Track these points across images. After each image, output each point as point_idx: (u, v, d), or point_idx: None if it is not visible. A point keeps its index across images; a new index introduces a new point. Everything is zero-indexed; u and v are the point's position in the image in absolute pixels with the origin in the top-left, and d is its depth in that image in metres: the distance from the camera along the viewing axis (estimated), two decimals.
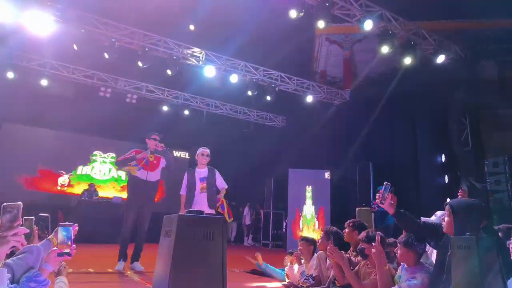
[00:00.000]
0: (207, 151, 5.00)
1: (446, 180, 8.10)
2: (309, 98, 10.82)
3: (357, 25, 7.67)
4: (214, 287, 2.08)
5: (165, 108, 11.80)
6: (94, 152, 13.00)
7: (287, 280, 4.33)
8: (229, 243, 12.42)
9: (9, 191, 10.02)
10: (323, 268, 3.70)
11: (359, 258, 3.27)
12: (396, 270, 2.96)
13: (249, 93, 10.17)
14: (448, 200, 2.46)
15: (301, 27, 8.71)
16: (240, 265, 5.73)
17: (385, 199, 2.58)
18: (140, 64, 8.69)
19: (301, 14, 7.02)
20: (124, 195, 8.45)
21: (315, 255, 3.97)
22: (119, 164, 5.35)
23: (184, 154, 14.11)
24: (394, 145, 9.38)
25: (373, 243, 2.75)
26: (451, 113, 8.28)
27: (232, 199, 13.07)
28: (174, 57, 8.99)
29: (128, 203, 5.09)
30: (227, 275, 2.22)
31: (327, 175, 10.59)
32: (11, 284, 1.65)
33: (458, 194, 3.49)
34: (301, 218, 10.31)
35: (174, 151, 14.14)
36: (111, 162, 13.15)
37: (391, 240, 3.38)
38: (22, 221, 1.68)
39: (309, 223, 10.32)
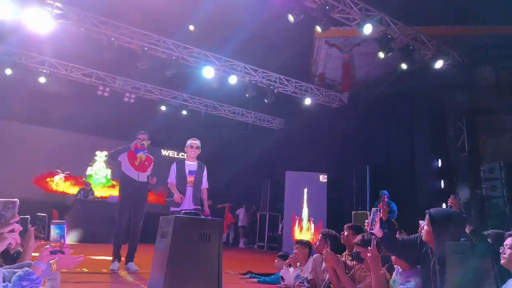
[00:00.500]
0: (197, 142, 4.67)
1: (442, 185, 8.13)
2: (308, 101, 10.83)
3: (357, 28, 7.69)
4: None
5: (163, 108, 11.78)
6: (96, 152, 12.99)
7: (282, 283, 4.32)
8: (226, 245, 12.41)
9: (4, 189, 9.96)
10: (318, 271, 3.70)
11: (354, 262, 3.27)
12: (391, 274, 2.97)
13: (247, 94, 10.17)
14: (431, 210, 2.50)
15: (301, 29, 8.73)
16: (235, 267, 5.72)
17: (374, 225, 2.70)
18: (139, 64, 8.68)
19: (302, 17, 7.02)
20: None
21: (311, 258, 3.97)
22: (112, 155, 5.20)
23: (183, 155, 14.07)
24: (391, 149, 9.41)
25: (369, 247, 2.75)
26: (448, 118, 8.32)
27: (229, 201, 13.09)
28: (173, 57, 8.99)
29: (121, 204, 5.06)
30: (223, 277, 2.22)
31: (324, 178, 10.61)
32: (3, 283, 1.64)
33: (448, 201, 3.51)
34: (297, 220, 10.32)
35: (170, 152, 14.12)
36: (104, 161, 13.12)
37: None
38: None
39: (305, 225, 10.33)
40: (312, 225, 10.23)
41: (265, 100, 10.36)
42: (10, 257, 2.41)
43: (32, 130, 11.88)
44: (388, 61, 8.84)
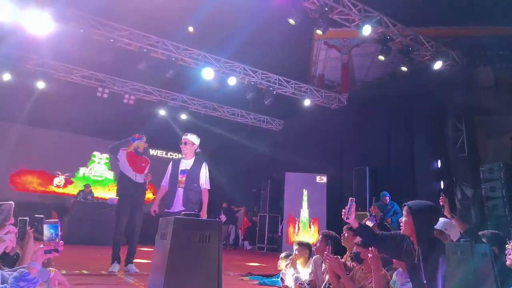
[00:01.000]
0: (186, 137, 4.28)
1: (442, 186, 8.13)
2: (307, 102, 10.84)
3: (356, 30, 7.70)
4: None
5: (162, 110, 11.79)
6: (94, 153, 12.97)
7: (282, 285, 4.32)
8: (228, 246, 12.40)
9: (4, 191, 9.96)
10: (318, 272, 3.70)
11: (354, 263, 3.27)
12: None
13: (247, 96, 10.17)
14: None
15: (300, 30, 8.75)
16: (236, 268, 5.72)
17: (350, 215, 2.70)
18: (138, 66, 8.68)
19: (300, 19, 7.03)
20: None
21: (311, 259, 3.96)
22: (112, 148, 5.17)
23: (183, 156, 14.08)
24: (390, 150, 9.41)
25: (369, 248, 2.75)
26: (447, 119, 8.33)
27: (230, 202, 13.07)
28: (173, 59, 8.99)
29: (120, 205, 5.05)
30: (223, 278, 2.22)
31: (323, 179, 10.61)
32: (1, 284, 1.64)
33: (440, 200, 3.51)
34: (297, 222, 10.31)
35: (170, 154, 14.12)
36: (105, 163, 13.11)
37: None
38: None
39: (305, 227, 10.33)
40: (313, 227, 10.23)
41: (265, 102, 10.37)
42: (9, 260, 2.40)
43: (31, 132, 11.86)
44: (387, 62, 8.85)
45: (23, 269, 1.72)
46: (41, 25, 7.30)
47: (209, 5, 8.36)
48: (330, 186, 10.45)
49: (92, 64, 10.16)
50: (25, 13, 7.08)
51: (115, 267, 4.75)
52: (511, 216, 6.42)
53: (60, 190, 12.35)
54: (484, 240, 3.03)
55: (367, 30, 7.49)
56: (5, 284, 1.67)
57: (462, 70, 8.45)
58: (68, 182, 12.57)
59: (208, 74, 9.42)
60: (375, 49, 8.08)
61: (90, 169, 12.90)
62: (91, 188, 10.93)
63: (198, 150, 4.41)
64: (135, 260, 5.00)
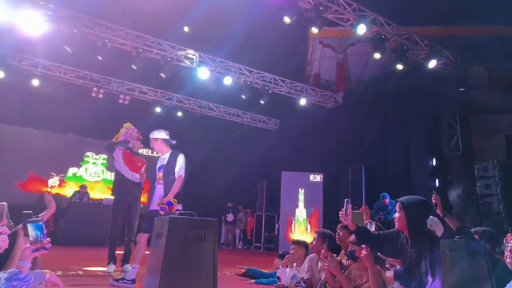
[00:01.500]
0: (150, 137, 4.25)
1: (437, 184, 8.18)
2: (302, 101, 10.86)
3: (351, 29, 7.73)
4: None
5: (158, 109, 11.75)
6: (87, 153, 12.88)
7: (278, 283, 4.32)
8: (228, 246, 12.41)
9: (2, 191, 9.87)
10: (315, 271, 3.70)
11: (350, 261, 3.28)
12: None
13: (243, 96, 10.17)
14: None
15: (295, 30, 8.77)
16: (232, 268, 5.72)
17: (347, 216, 2.75)
18: (133, 66, 8.66)
19: (295, 17, 7.04)
20: None
21: (307, 258, 3.97)
22: (108, 146, 5.16)
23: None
24: (386, 149, 9.45)
25: (363, 246, 2.76)
26: (442, 117, 8.38)
27: (226, 202, 13.06)
28: (168, 59, 8.97)
29: (115, 205, 5.04)
30: (219, 278, 2.22)
31: (319, 178, 10.64)
32: None
33: (432, 198, 3.53)
34: (293, 221, 10.33)
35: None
36: (102, 164, 13.04)
37: None
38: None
39: (301, 226, 10.35)
40: (309, 225, 10.25)
41: (261, 101, 10.37)
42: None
43: (25, 132, 11.78)
44: (382, 61, 8.90)
45: (13, 269, 1.74)
46: (35, 25, 7.26)
47: (204, 5, 8.36)
48: (326, 185, 10.47)
49: (87, 64, 10.12)
50: (20, 13, 7.03)
51: (111, 268, 4.74)
52: (506, 213, 6.46)
53: (55, 191, 12.27)
54: (476, 237, 3.05)
55: (361, 29, 7.52)
56: None
57: (457, 68, 8.51)
58: (62, 182, 12.49)
59: (203, 73, 9.41)
60: (370, 48, 8.11)
61: (84, 169, 12.82)
62: (87, 189, 10.86)
63: (173, 142, 4.30)
64: (131, 260, 4.98)
